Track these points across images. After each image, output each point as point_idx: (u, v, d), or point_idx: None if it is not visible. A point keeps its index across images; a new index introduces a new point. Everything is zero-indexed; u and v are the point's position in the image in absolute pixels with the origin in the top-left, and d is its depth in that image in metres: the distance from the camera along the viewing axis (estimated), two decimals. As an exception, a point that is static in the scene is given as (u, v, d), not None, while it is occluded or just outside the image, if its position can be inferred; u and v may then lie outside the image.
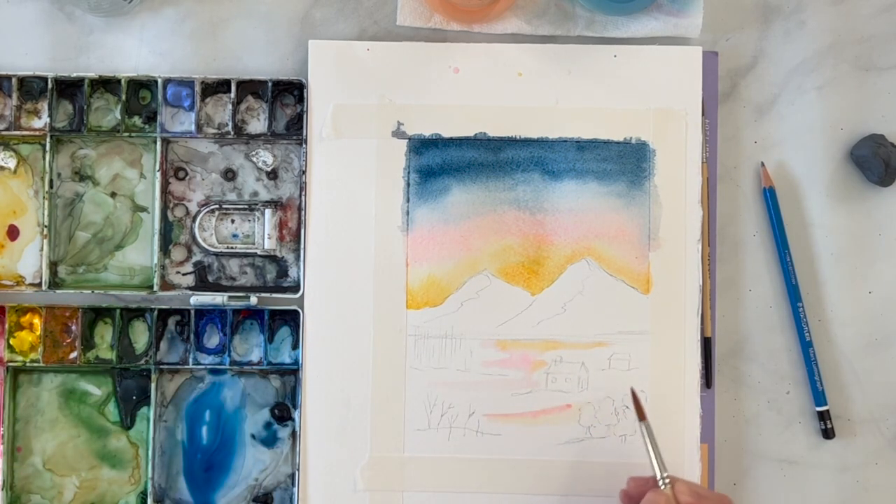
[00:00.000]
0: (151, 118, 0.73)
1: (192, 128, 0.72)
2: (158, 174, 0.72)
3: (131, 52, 0.73)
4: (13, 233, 0.73)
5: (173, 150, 0.73)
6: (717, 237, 0.73)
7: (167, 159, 0.73)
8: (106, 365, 0.72)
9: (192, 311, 0.72)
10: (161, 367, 0.72)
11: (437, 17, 0.73)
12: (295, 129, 0.73)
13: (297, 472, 0.71)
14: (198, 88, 0.72)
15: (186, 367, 0.72)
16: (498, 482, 0.71)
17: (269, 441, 0.72)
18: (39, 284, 0.72)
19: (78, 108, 0.73)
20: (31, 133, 0.72)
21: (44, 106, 0.72)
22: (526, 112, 0.72)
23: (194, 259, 0.73)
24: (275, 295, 0.72)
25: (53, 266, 0.72)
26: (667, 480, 0.64)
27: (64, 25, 0.73)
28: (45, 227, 0.72)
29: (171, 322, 0.72)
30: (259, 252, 0.73)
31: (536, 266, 0.72)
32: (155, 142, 0.72)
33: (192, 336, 0.72)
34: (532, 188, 0.72)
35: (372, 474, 0.71)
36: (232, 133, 0.72)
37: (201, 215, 0.73)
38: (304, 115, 0.72)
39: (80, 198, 0.73)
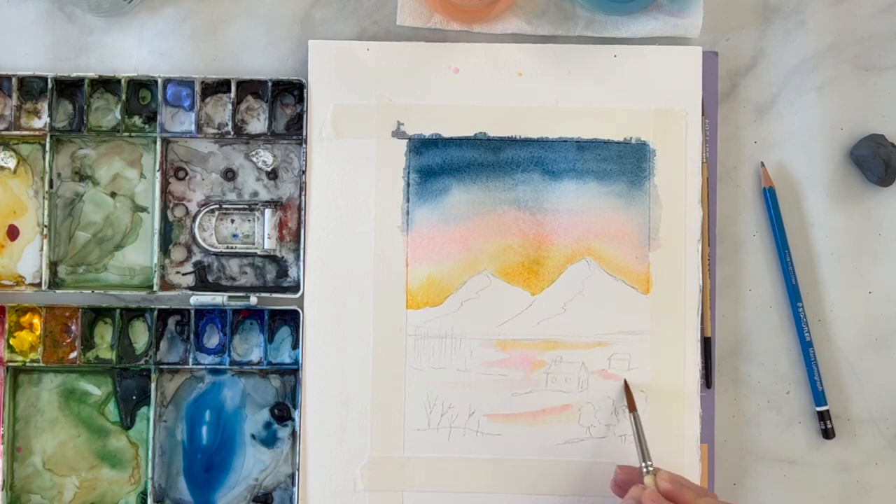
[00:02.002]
0: (151, 118, 0.73)
1: (192, 128, 0.72)
2: (158, 174, 0.72)
3: (131, 52, 0.73)
4: (13, 233, 0.73)
5: (173, 150, 0.73)
6: (717, 237, 0.73)
7: (167, 159, 0.73)
8: (106, 365, 0.72)
9: (192, 311, 0.72)
10: (161, 367, 0.72)
11: (437, 17, 0.73)
12: (295, 129, 0.73)
13: (297, 472, 0.71)
14: (198, 88, 0.72)
15: (186, 367, 0.72)
16: (498, 482, 0.71)
17: (269, 441, 0.72)
18: (39, 284, 0.72)
19: (78, 108, 0.73)
20: (31, 133, 0.72)
21: (44, 106, 0.72)
22: (526, 112, 0.72)
23: (194, 259, 0.73)
24: (275, 295, 0.72)
25: (53, 266, 0.72)
26: (650, 468, 0.66)
27: (64, 25, 0.73)
28: (45, 227, 0.72)
29: (171, 322, 0.72)
30: (259, 252, 0.73)
31: (536, 266, 0.72)
32: (155, 142, 0.72)
33: (192, 336, 0.72)
34: (532, 188, 0.72)
35: (372, 474, 0.71)
36: (232, 133, 0.72)
37: (201, 215, 0.73)
38: (304, 115, 0.72)
39: (80, 198, 0.73)
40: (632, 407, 0.69)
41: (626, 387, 0.71)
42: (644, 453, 0.67)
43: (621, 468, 0.68)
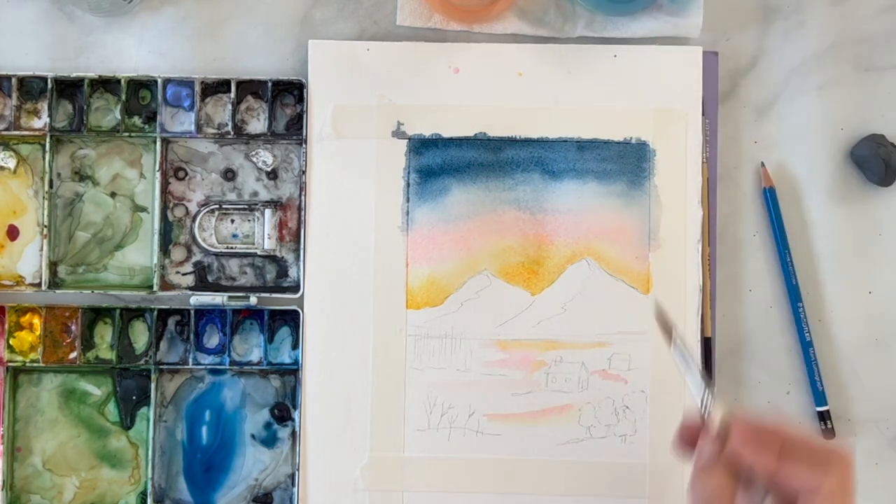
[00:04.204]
0: (151, 118, 0.73)
1: (192, 128, 0.72)
2: (158, 174, 0.72)
3: (131, 52, 0.73)
4: (13, 233, 0.73)
5: (173, 150, 0.73)
6: (717, 237, 0.73)
7: (167, 159, 0.73)
8: (106, 365, 0.72)
9: (192, 311, 0.72)
10: (161, 367, 0.72)
11: (437, 17, 0.73)
12: (295, 129, 0.73)
13: (297, 472, 0.71)
14: (198, 88, 0.72)
15: (186, 367, 0.72)
16: (498, 482, 0.71)
17: (269, 441, 0.72)
18: (39, 284, 0.72)
19: (78, 108, 0.73)
20: (31, 133, 0.72)
21: (44, 106, 0.72)
22: (526, 112, 0.72)
23: (194, 259, 0.73)
24: (275, 295, 0.72)
25: (53, 266, 0.72)
26: (709, 407, 0.53)
27: (64, 25, 0.73)
28: (45, 227, 0.72)
29: (171, 322, 0.72)
30: (259, 252, 0.73)
31: (536, 266, 0.72)
32: (155, 142, 0.72)
33: (191, 336, 0.72)
34: (532, 188, 0.72)
35: (372, 474, 0.71)
36: (232, 133, 0.72)
37: (201, 215, 0.73)
38: (304, 115, 0.72)
39: (80, 198, 0.73)
40: (668, 332, 0.57)
41: (659, 310, 0.59)
42: (703, 389, 0.54)
43: (682, 431, 0.55)
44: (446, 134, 0.72)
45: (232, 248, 0.73)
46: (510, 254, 0.72)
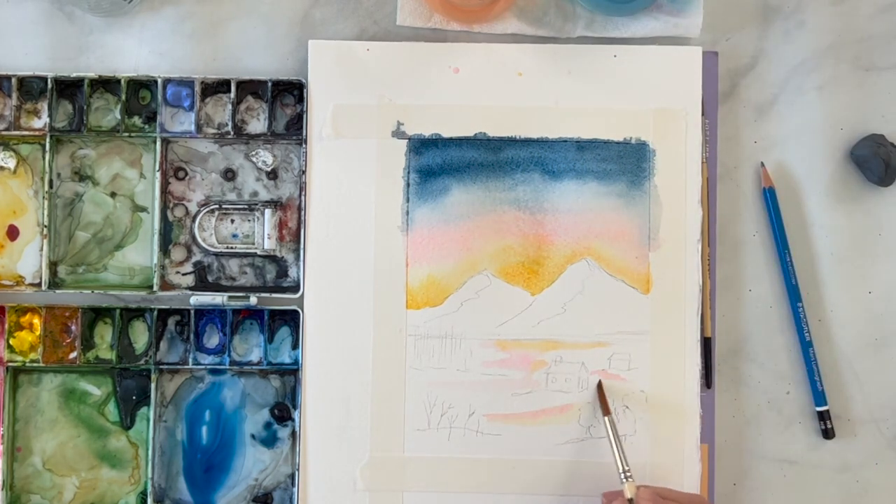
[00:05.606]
0: (151, 118, 0.73)
1: (192, 128, 0.72)
2: (158, 174, 0.72)
3: (131, 52, 0.73)
4: (13, 233, 0.73)
5: (173, 150, 0.73)
6: (717, 237, 0.73)
7: (167, 159, 0.73)
8: (106, 365, 0.72)
9: (192, 311, 0.72)
10: (161, 367, 0.72)
11: (437, 17, 0.73)
12: (295, 129, 0.73)
13: (297, 472, 0.71)
14: (198, 88, 0.72)
15: (186, 367, 0.72)
16: (498, 482, 0.71)
17: (269, 441, 0.72)
18: (39, 284, 0.72)
19: (78, 108, 0.73)
20: (31, 133, 0.72)
21: (44, 106, 0.72)
22: (526, 112, 0.72)
23: (194, 259, 0.73)
24: (275, 295, 0.72)
25: (53, 266, 0.72)
26: (629, 475, 0.66)
27: (64, 25, 0.73)
28: (45, 227, 0.72)
29: (171, 322, 0.72)
30: (259, 252, 0.73)
31: (536, 266, 0.72)
32: (155, 142, 0.72)
33: (191, 336, 0.72)
34: (532, 188, 0.72)
35: (372, 474, 0.71)
36: (232, 133, 0.72)
37: (201, 215, 0.73)
38: (304, 115, 0.72)
39: (79, 198, 0.73)
40: (605, 410, 0.69)
41: (600, 389, 0.70)
42: (621, 459, 0.67)
43: (606, 496, 0.68)
44: (446, 134, 0.72)
45: (232, 248, 0.73)
46: (510, 254, 0.72)
